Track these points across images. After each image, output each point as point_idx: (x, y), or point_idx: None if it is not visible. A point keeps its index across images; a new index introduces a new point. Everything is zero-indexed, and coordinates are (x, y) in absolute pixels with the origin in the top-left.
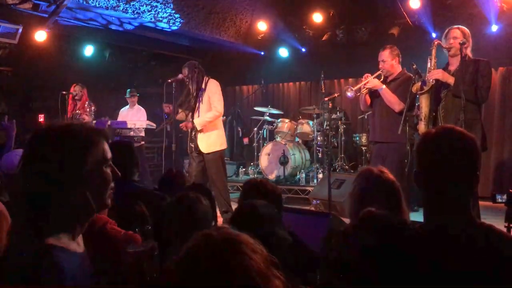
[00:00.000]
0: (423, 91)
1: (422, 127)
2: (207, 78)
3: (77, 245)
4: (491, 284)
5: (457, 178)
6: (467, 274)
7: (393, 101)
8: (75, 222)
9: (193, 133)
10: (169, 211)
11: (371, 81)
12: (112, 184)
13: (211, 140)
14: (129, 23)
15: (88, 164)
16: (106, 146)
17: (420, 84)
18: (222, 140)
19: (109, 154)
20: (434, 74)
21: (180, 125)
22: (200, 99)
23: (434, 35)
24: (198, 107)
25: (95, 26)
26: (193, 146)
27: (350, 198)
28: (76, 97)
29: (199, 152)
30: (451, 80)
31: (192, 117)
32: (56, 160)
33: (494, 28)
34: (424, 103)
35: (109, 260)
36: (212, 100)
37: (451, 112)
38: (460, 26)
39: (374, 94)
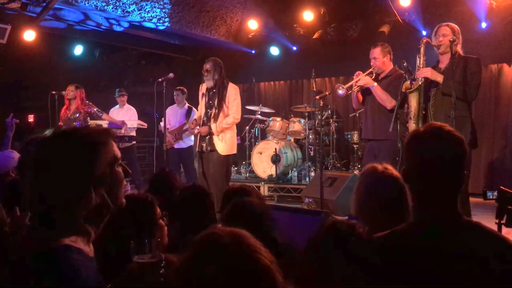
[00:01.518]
0: (411, 90)
1: (412, 125)
2: (226, 81)
3: (90, 250)
4: (477, 280)
5: (444, 175)
6: (454, 270)
7: (385, 99)
8: (90, 224)
9: (207, 136)
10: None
11: (362, 78)
12: (125, 182)
13: (225, 143)
14: (119, 24)
15: (100, 166)
16: (115, 146)
17: (409, 82)
18: (235, 144)
19: (118, 153)
20: (423, 72)
21: (196, 130)
22: (221, 102)
23: (424, 32)
24: (217, 110)
25: (84, 26)
26: (204, 145)
27: (355, 196)
28: (68, 97)
29: (207, 152)
30: (439, 78)
31: (207, 117)
32: (67, 165)
33: (484, 25)
34: (413, 102)
35: None
36: (231, 105)
37: (440, 110)
38: (449, 23)
39: (366, 91)
